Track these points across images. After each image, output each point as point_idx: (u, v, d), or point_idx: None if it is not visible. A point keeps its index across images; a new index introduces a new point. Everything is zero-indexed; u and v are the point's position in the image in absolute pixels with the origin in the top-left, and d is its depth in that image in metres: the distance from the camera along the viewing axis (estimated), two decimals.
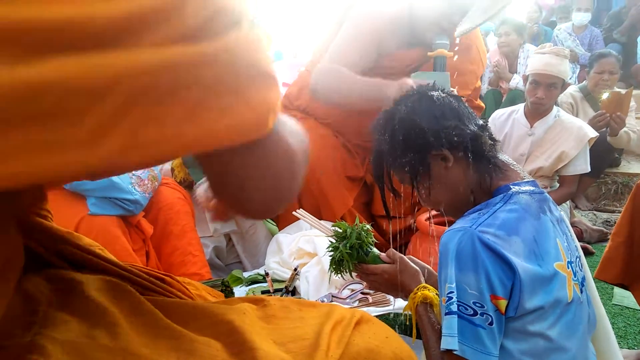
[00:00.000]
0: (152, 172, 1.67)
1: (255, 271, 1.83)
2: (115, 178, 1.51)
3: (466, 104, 1.05)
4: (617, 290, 1.94)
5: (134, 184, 1.57)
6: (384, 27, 1.91)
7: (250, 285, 1.72)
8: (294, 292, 1.62)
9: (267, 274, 1.71)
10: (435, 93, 1.03)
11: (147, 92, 0.31)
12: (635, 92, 3.95)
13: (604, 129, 2.81)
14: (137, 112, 0.31)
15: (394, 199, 1.15)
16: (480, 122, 1.02)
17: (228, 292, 1.48)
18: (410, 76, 1.78)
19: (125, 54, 0.29)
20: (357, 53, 1.92)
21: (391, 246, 1.20)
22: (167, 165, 1.90)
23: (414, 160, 0.99)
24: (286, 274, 1.68)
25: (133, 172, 1.59)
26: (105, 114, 0.29)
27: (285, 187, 0.48)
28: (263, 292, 1.62)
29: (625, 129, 2.81)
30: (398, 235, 2.08)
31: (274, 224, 2.20)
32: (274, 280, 1.69)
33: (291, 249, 1.76)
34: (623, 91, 2.78)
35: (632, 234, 1.43)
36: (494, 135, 1.04)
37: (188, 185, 1.88)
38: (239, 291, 1.65)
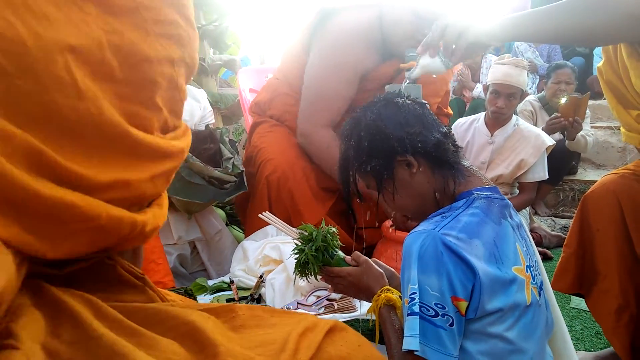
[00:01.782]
0: None
1: (220, 279, 1.80)
2: None
3: (430, 111, 1.07)
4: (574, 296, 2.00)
5: None
6: (360, 50, 1.91)
7: (214, 293, 1.69)
8: (259, 299, 1.61)
9: (232, 281, 1.68)
10: (400, 100, 1.05)
11: None
12: (590, 102, 4.14)
13: (563, 138, 2.92)
14: None
15: (367, 208, 1.16)
16: (444, 129, 1.05)
17: None
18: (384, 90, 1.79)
19: None
20: (342, 84, 1.93)
21: (362, 249, 1.20)
22: None
23: (379, 165, 1.00)
24: (252, 282, 1.67)
25: None
26: None
27: None
28: (228, 301, 1.60)
29: (582, 133, 2.92)
30: (365, 242, 2.09)
31: (240, 230, 2.18)
32: (239, 288, 1.67)
33: (257, 255, 1.74)
34: (580, 96, 2.89)
35: (582, 245, 1.49)
36: (457, 142, 1.07)
37: None
38: (203, 299, 1.62)
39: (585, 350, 1.65)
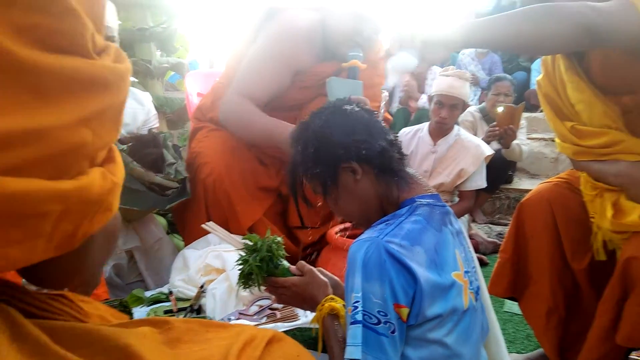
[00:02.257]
0: None
1: (158, 290, 1.72)
2: None
3: (378, 119, 1.08)
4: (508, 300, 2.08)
5: None
6: (299, 46, 1.94)
7: (152, 305, 1.61)
8: (199, 310, 1.55)
9: (170, 292, 1.62)
10: (348, 107, 1.05)
11: None
12: (527, 114, 4.34)
13: (500, 149, 3.05)
14: None
15: (309, 208, 1.16)
16: (390, 136, 1.06)
17: (126, 314, 1.39)
18: (325, 86, 1.80)
19: None
20: (270, 77, 1.93)
21: (305, 258, 1.20)
22: None
23: (325, 171, 1.02)
24: (192, 292, 1.61)
25: None
26: None
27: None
28: (166, 312, 1.54)
29: (517, 141, 3.07)
30: (311, 246, 2.09)
31: (181, 238, 2.12)
32: (179, 299, 1.61)
33: (198, 265, 1.69)
34: (516, 106, 3.06)
35: (517, 251, 1.55)
36: (402, 150, 1.08)
37: None
38: (139, 312, 1.55)
39: (517, 353, 1.71)
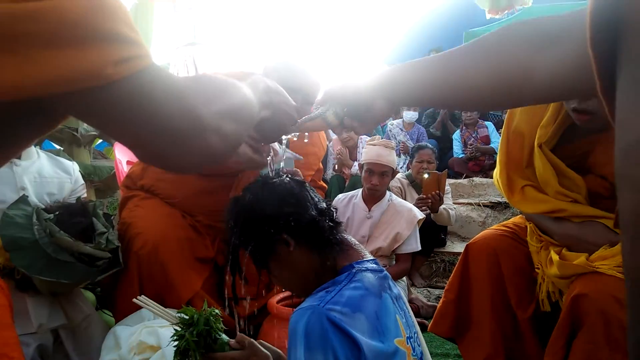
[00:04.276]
0: None
1: None
2: None
3: (309, 188, 1.11)
4: None
5: None
6: None
7: None
8: None
9: None
10: (277, 180, 1.09)
11: None
12: (452, 180, 4.60)
13: (429, 213, 3.19)
14: None
15: (245, 284, 1.15)
16: (323, 205, 1.09)
17: None
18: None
19: None
20: None
21: (240, 331, 1.16)
22: None
23: (257, 244, 1.04)
24: None
25: None
26: None
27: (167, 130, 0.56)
28: None
29: (444, 206, 3.25)
30: (249, 318, 2.02)
31: (111, 315, 1.99)
32: None
33: (131, 342, 1.59)
34: (440, 172, 3.30)
35: (462, 291, 1.58)
36: (336, 218, 1.11)
37: (8, 273, 1.62)
38: None
39: None
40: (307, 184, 1.12)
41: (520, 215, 1.64)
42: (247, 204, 1.06)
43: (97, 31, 0.45)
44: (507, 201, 1.56)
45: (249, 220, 1.04)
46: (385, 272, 1.09)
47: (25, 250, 1.57)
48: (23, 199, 1.72)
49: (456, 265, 1.63)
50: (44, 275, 1.57)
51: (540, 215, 1.46)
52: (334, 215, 1.11)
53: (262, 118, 0.89)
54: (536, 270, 1.48)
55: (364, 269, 1.03)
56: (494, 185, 4.26)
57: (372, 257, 1.10)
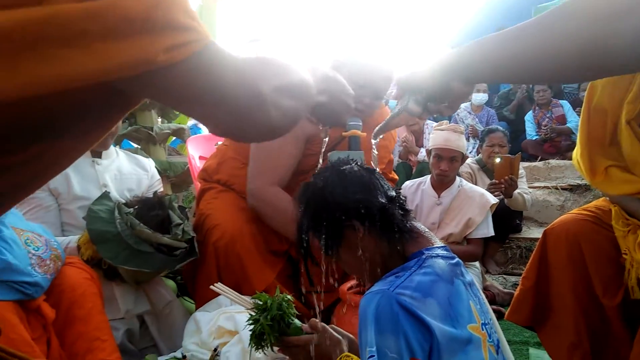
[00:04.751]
0: (54, 252, 1.55)
1: (172, 354, 1.70)
2: (12, 259, 1.38)
3: (381, 176, 1.11)
4: (533, 352, 2.01)
5: (33, 265, 1.44)
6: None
7: None
8: None
9: (184, 356, 1.60)
10: (347, 167, 1.08)
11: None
12: (526, 164, 4.39)
13: (502, 199, 3.07)
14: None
15: (321, 271, 1.16)
16: (393, 193, 1.08)
17: None
18: (327, 156, 1.83)
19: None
20: (289, 154, 1.96)
21: (318, 317, 1.18)
22: (73, 244, 1.78)
23: (328, 230, 1.04)
24: (205, 356, 1.58)
25: (33, 252, 1.47)
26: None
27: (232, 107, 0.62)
28: None
29: (518, 190, 3.10)
30: (322, 307, 2.04)
31: (192, 302, 2.09)
32: None
33: (210, 327, 1.67)
34: (513, 156, 3.13)
35: (540, 278, 1.52)
36: (405, 205, 1.10)
37: (96, 264, 1.75)
38: None
39: None
40: (376, 172, 1.12)
41: (604, 197, 1.54)
42: (317, 190, 1.06)
43: (149, 23, 0.50)
44: (589, 183, 1.46)
45: (319, 205, 1.04)
46: (457, 259, 1.06)
47: (109, 243, 1.68)
48: (105, 195, 1.84)
49: (533, 252, 1.57)
50: (128, 265, 1.68)
51: (626, 197, 1.36)
52: (404, 203, 1.10)
53: (318, 103, 0.91)
54: (623, 255, 1.38)
55: (434, 255, 1.01)
56: (572, 167, 4.03)
57: (442, 244, 1.08)
